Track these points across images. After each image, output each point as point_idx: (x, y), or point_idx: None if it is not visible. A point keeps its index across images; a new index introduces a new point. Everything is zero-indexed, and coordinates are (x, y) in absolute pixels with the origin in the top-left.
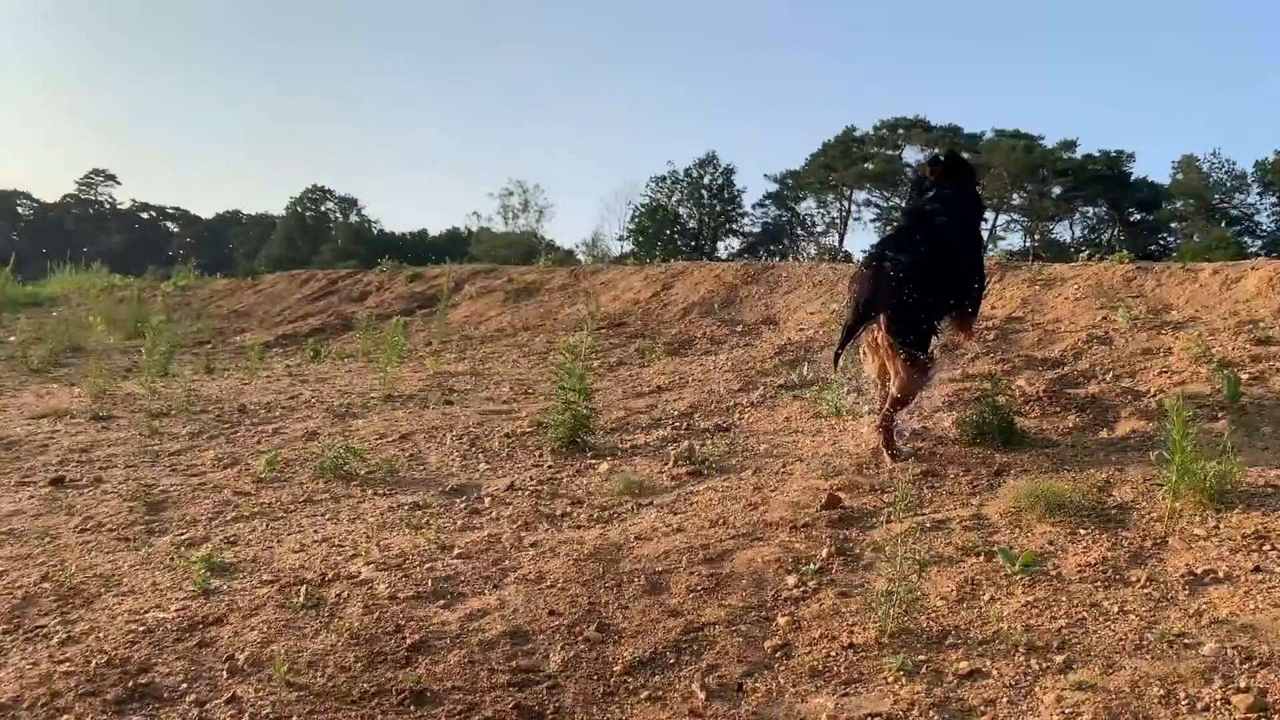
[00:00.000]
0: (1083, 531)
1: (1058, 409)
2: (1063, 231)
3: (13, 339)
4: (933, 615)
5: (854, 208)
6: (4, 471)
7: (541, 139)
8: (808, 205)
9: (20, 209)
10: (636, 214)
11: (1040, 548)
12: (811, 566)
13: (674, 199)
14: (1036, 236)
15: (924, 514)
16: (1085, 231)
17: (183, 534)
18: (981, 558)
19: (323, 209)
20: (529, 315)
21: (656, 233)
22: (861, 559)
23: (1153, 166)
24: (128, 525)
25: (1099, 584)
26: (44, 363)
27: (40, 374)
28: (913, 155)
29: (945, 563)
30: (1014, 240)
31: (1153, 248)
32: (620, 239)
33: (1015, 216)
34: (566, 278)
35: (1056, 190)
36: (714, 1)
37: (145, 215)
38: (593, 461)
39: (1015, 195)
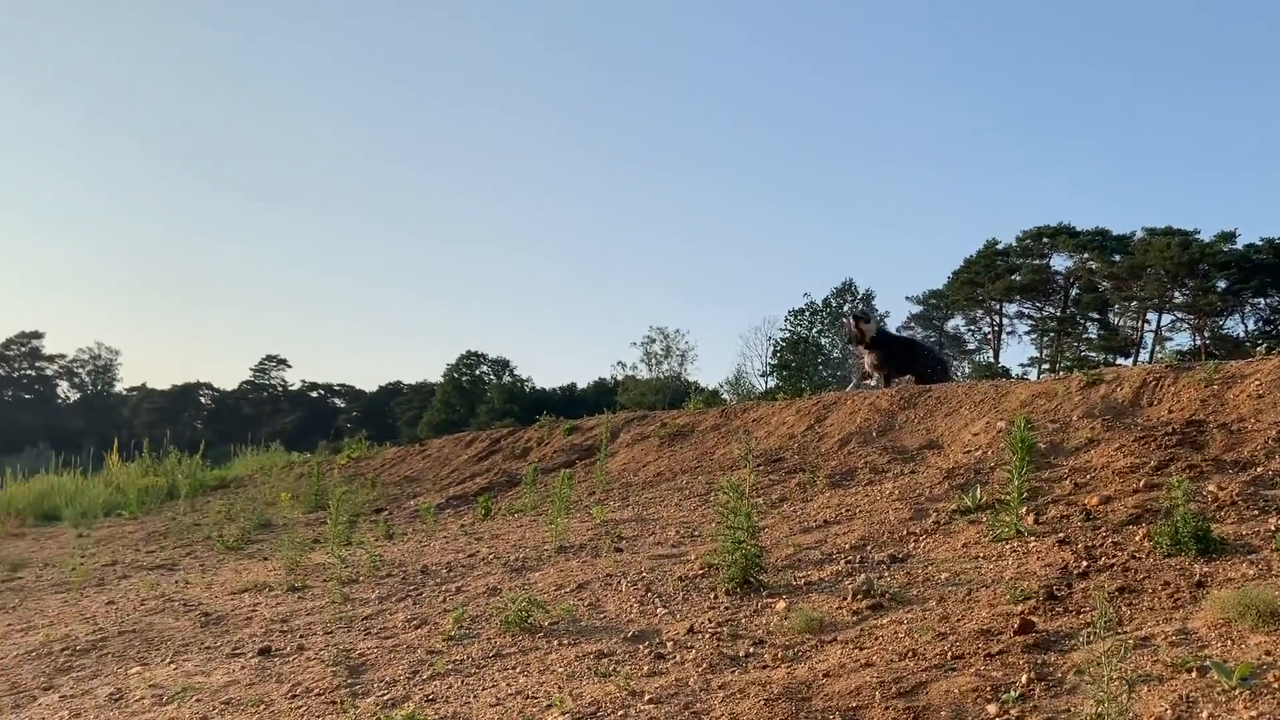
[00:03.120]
0: None
1: (1255, 512)
2: (1234, 326)
3: (207, 520)
4: None
5: (1006, 321)
6: (216, 645)
7: (674, 284)
8: (956, 323)
9: (202, 399)
10: (778, 349)
11: (1257, 659)
12: (1012, 694)
13: (815, 330)
14: (1206, 334)
15: (1125, 632)
16: (1260, 324)
17: (384, 694)
18: (1193, 673)
19: (477, 372)
20: (685, 458)
21: (800, 366)
22: (1064, 683)
23: None
24: (333, 689)
25: None
26: (237, 540)
27: (235, 551)
28: (1061, 263)
29: (1155, 681)
30: (1181, 340)
31: None
32: (763, 375)
33: (1179, 315)
34: (718, 418)
35: (1221, 284)
36: (834, 129)
37: (314, 394)
38: (769, 600)
39: (1176, 293)
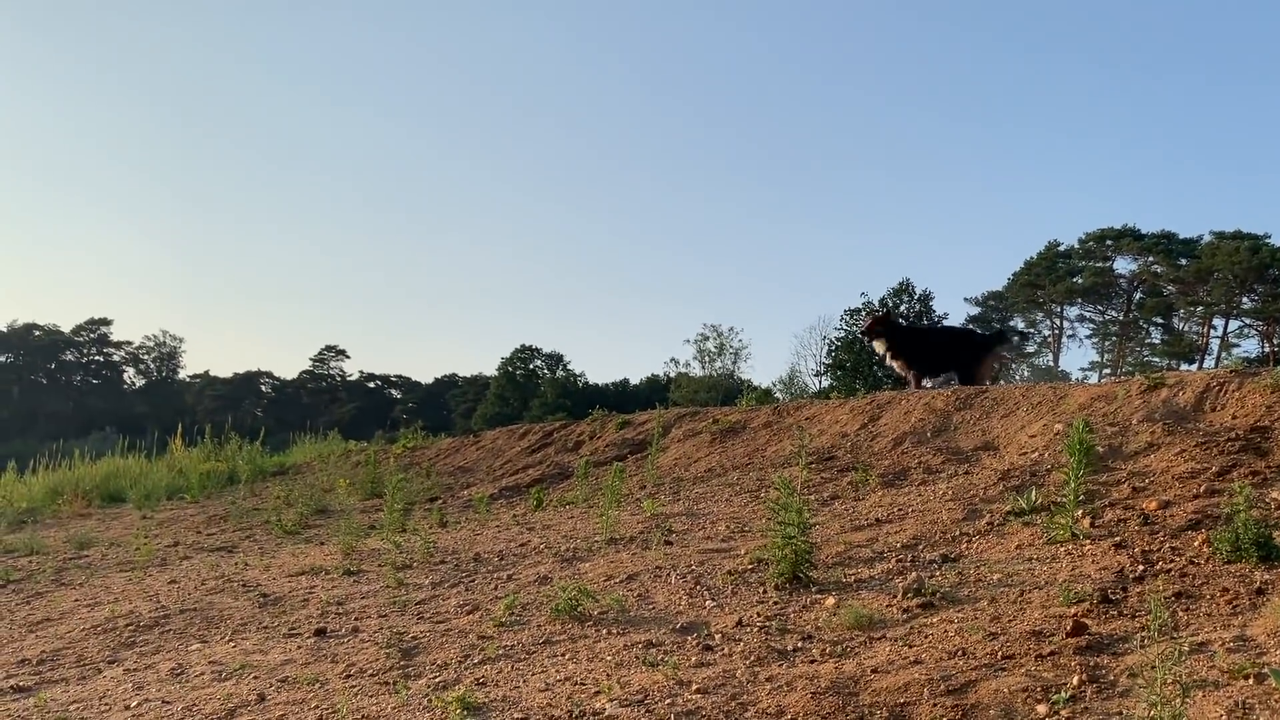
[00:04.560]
0: None
1: None
2: None
3: (266, 505)
4: None
5: (1066, 324)
6: (273, 624)
7: (729, 281)
8: (1015, 325)
9: (263, 387)
10: (833, 349)
11: None
12: (1063, 695)
13: None
14: (1275, 340)
15: (1181, 637)
16: None
17: (436, 677)
18: (1250, 680)
19: (531, 366)
20: (736, 454)
21: (855, 366)
22: (1116, 686)
23: None
24: (386, 670)
25: None
26: (295, 525)
27: (293, 535)
28: (1124, 266)
29: (1210, 687)
30: (1249, 346)
31: None
32: (817, 374)
33: (1247, 321)
34: (770, 415)
35: None
36: (892, 126)
37: (371, 384)
38: (818, 596)
39: (1245, 299)
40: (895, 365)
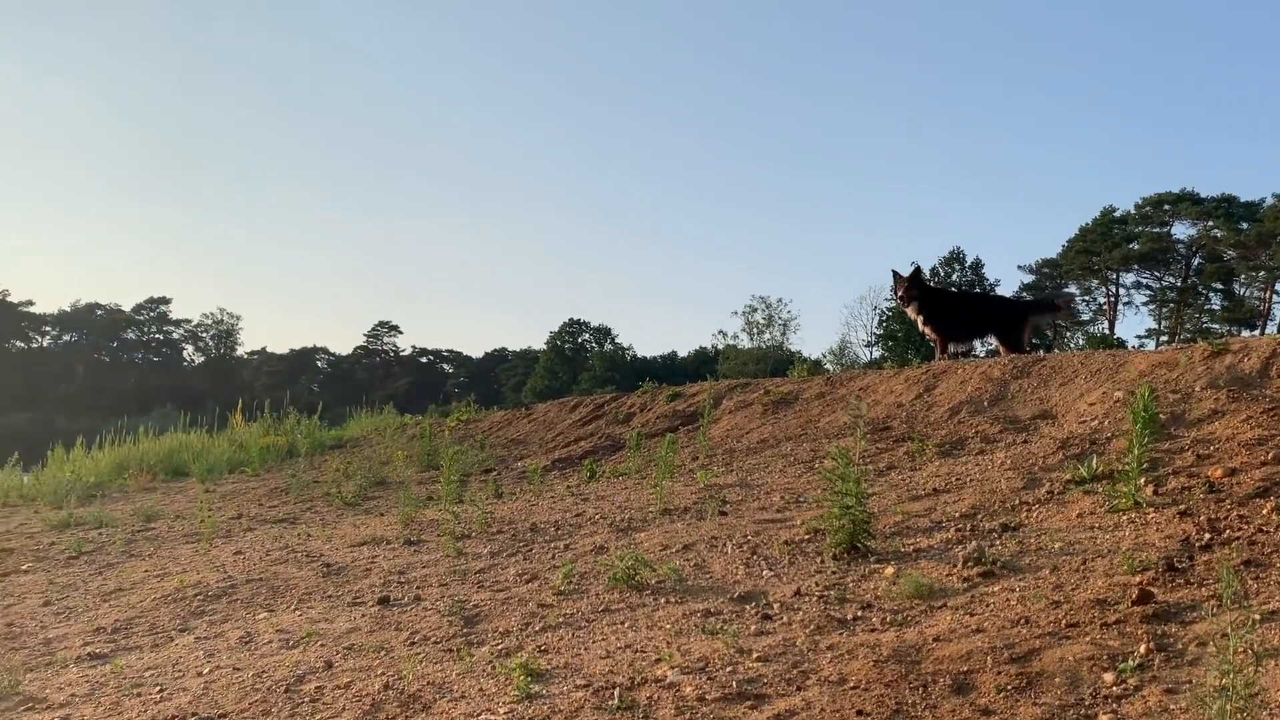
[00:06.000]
0: None
1: None
2: None
3: (325, 477)
4: (1275, 711)
5: (1122, 291)
6: (337, 594)
7: (778, 251)
8: (1070, 293)
9: (319, 363)
10: (884, 319)
11: None
12: (1130, 663)
13: None
14: None
15: (1251, 605)
16: None
17: (499, 644)
18: None
19: (580, 340)
20: (789, 425)
21: (907, 336)
22: (1185, 654)
23: None
24: (449, 638)
25: None
26: (355, 496)
27: (353, 506)
28: (1183, 231)
29: None
30: None
31: None
32: (868, 345)
33: None
34: (823, 386)
35: None
36: (946, 94)
37: (424, 359)
38: (876, 566)
39: None
40: (927, 331)
